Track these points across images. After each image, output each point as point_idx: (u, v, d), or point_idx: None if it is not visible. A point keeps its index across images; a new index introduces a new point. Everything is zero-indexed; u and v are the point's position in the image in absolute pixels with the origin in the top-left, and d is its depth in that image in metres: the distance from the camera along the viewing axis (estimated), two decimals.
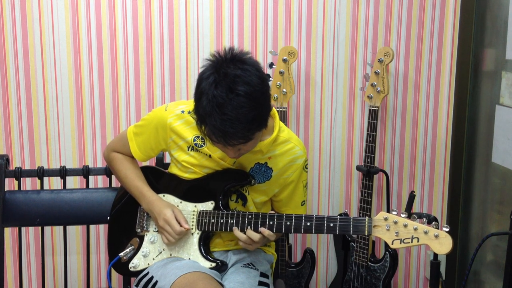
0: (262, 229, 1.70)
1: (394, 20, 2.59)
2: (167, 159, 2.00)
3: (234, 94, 1.52)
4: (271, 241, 1.80)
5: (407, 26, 2.60)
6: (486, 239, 2.14)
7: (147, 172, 1.94)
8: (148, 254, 1.84)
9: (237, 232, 1.72)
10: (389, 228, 1.59)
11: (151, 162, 2.32)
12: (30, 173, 2.12)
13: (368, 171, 2.44)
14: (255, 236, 1.70)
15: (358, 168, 2.54)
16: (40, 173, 2.10)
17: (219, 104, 1.52)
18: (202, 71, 1.60)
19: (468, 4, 2.53)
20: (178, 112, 1.81)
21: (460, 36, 2.59)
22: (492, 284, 2.47)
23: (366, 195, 2.45)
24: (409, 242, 1.58)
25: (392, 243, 1.59)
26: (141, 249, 1.85)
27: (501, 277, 2.21)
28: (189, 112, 1.80)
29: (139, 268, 1.83)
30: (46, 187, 2.22)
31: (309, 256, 2.55)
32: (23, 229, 2.40)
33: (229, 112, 1.52)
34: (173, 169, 1.89)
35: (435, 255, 2.02)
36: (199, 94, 1.57)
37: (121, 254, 1.85)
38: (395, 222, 1.59)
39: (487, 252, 2.49)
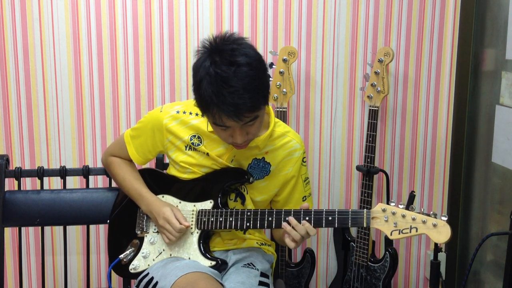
0: (304, 222, 1.65)
1: (394, 20, 2.59)
2: (167, 160, 2.00)
3: (236, 66, 1.53)
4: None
5: (407, 26, 2.60)
6: (486, 239, 2.14)
7: (145, 174, 1.95)
8: (148, 255, 1.84)
9: (286, 226, 1.66)
10: (387, 219, 1.60)
11: (151, 162, 2.32)
12: (30, 173, 2.12)
13: (368, 171, 2.44)
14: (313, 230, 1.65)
15: (358, 168, 2.54)
16: (40, 173, 2.10)
17: (224, 79, 1.53)
18: (196, 60, 1.62)
19: (468, 4, 2.53)
20: (173, 113, 1.82)
21: (460, 36, 2.59)
22: (492, 284, 2.47)
23: (366, 195, 2.45)
24: (407, 232, 1.58)
25: (391, 234, 1.59)
26: (141, 251, 1.85)
27: (501, 277, 2.21)
28: (184, 112, 1.81)
29: (139, 270, 1.83)
30: (46, 187, 2.22)
31: (309, 256, 2.55)
32: (23, 229, 2.40)
33: (235, 83, 1.52)
34: (172, 170, 1.90)
35: (435, 255, 2.02)
36: (199, 81, 1.58)
37: (121, 256, 1.85)
38: (393, 213, 1.59)
39: (487, 252, 2.49)
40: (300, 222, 1.66)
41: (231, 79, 1.53)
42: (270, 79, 2.40)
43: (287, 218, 1.67)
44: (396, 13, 2.58)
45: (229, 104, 1.53)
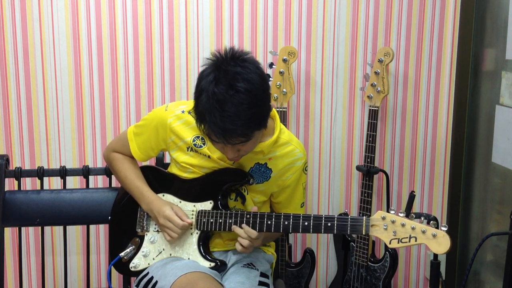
0: (243, 225, 1.70)
1: (394, 20, 2.59)
2: (167, 159, 2.00)
3: (234, 91, 1.53)
4: (257, 244, 1.78)
5: (407, 26, 2.60)
6: (486, 239, 2.14)
7: (146, 171, 1.95)
8: (148, 254, 1.84)
9: (236, 228, 1.71)
10: (386, 227, 1.59)
11: (151, 162, 2.32)
12: (30, 173, 2.12)
13: (368, 171, 2.44)
14: (252, 232, 1.69)
15: (358, 168, 2.54)
16: (40, 173, 2.10)
17: (219, 101, 1.53)
18: (202, 70, 1.61)
19: (468, 4, 2.53)
20: (178, 113, 1.81)
21: (460, 36, 2.59)
22: (492, 284, 2.47)
23: (366, 195, 2.45)
24: (407, 242, 1.57)
25: (390, 243, 1.59)
26: (141, 249, 1.86)
27: (501, 277, 2.21)
28: (189, 112, 1.80)
29: (139, 268, 1.84)
30: (46, 187, 2.22)
31: (309, 256, 2.55)
32: (23, 229, 2.40)
33: (229, 108, 1.52)
34: (173, 169, 1.90)
35: (435, 255, 2.02)
36: (199, 92, 1.58)
37: (122, 254, 1.85)
38: (393, 222, 1.59)
39: (487, 252, 2.49)
40: (299, 227, 1.67)
41: (227, 103, 1.52)
42: (270, 79, 2.41)
43: (232, 228, 1.71)
44: (396, 13, 2.58)
45: (219, 127, 1.54)
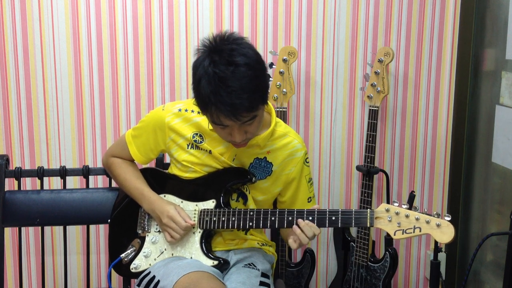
0: (307, 222, 1.66)
1: (394, 20, 2.59)
2: (167, 159, 2.00)
3: (234, 66, 1.54)
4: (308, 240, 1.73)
5: (407, 26, 2.60)
6: (486, 239, 2.14)
7: (146, 173, 1.94)
8: (150, 255, 1.84)
9: (302, 222, 1.67)
10: (391, 219, 1.60)
11: (151, 162, 2.31)
12: (30, 173, 2.12)
13: (368, 171, 2.44)
14: (316, 229, 1.66)
15: (358, 168, 2.54)
16: (40, 173, 2.10)
17: (222, 79, 1.54)
18: (196, 59, 1.63)
19: (468, 4, 2.54)
20: (175, 111, 1.82)
21: (460, 36, 2.59)
22: (492, 284, 2.47)
23: (366, 195, 2.45)
24: (411, 232, 1.58)
25: (395, 234, 1.60)
26: (143, 250, 1.85)
27: (501, 277, 2.21)
28: (186, 110, 1.81)
29: (140, 269, 1.83)
30: (46, 187, 2.22)
31: (309, 256, 2.55)
32: (23, 229, 2.40)
33: (233, 84, 1.54)
34: (173, 170, 1.89)
35: (435, 255, 2.02)
36: (198, 80, 1.59)
37: (122, 255, 1.85)
38: (397, 213, 1.60)
39: (487, 252, 2.50)
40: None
41: (229, 79, 1.54)
42: (270, 79, 2.41)
43: (297, 223, 1.67)
44: (396, 13, 2.58)
45: (227, 104, 1.54)
